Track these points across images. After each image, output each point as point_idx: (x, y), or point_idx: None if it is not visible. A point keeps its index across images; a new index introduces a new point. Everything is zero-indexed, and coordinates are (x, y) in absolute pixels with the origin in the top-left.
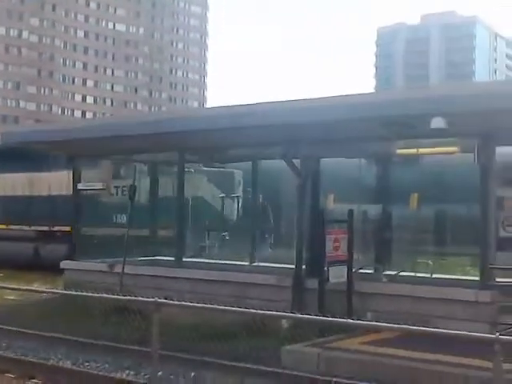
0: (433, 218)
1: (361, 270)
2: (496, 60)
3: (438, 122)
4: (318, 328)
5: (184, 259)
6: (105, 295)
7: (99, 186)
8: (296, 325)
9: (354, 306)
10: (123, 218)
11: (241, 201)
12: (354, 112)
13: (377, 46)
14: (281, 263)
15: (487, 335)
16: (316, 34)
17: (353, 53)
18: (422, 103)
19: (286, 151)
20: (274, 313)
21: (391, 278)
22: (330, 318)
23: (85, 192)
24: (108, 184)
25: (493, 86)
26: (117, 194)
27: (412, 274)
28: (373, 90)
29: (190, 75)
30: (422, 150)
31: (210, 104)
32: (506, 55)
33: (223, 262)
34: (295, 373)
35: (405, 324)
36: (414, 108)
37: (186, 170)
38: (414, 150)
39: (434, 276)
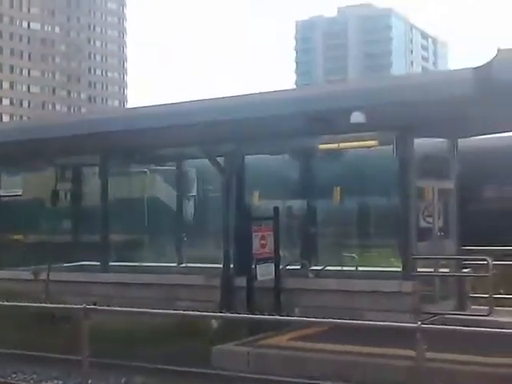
0: (356, 212)
1: (288, 267)
2: (412, 51)
3: (357, 117)
4: (247, 326)
5: (110, 263)
6: (31, 303)
7: (18, 192)
8: (225, 324)
9: (283, 303)
10: (52, 224)
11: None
12: (275, 109)
13: (296, 40)
14: (210, 263)
15: (409, 324)
16: (236, 29)
17: (273, 47)
18: (341, 98)
19: (209, 149)
20: (202, 313)
21: (317, 273)
22: (257, 316)
23: (6, 198)
24: (27, 190)
25: (409, 78)
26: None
27: (338, 268)
28: (294, 85)
29: (109, 74)
30: (342, 145)
31: (130, 102)
32: (422, 46)
33: (151, 264)
34: (225, 373)
35: (333, 318)
36: (334, 103)
37: (139, 170)
38: (335, 145)
39: (359, 269)
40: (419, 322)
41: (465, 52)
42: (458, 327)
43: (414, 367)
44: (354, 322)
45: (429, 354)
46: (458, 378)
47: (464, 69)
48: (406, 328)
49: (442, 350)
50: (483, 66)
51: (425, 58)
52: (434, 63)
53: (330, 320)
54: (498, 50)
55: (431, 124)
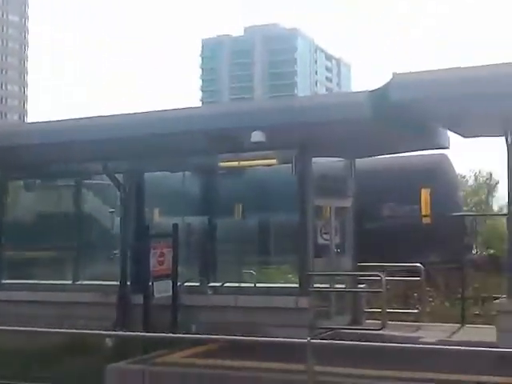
0: (256, 228)
1: (186, 284)
2: (317, 72)
3: (257, 136)
4: (142, 344)
5: (3, 281)
6: None
7: None
8: (121, 342)
9: (181, 320)
10: None
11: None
12: (174, 126)
13: (202, 59)
14: (108, 280)
15: (300, 340)
16: (143, 45)
17: (179, 64)
18: (242, 117)
19: (107, 166)
20: (95, 331)
21: (216, 290)
22: (147, 334)
23: None
24: None
25: (308, 99)
26: None
27: (236, 284)
28: (199, 103)
29: (8, 87)
30: (243, 163)
31: (31, 117)
32: (326, 68)
33: (46, 282)
34: None
35: (232, 334)
36: (234, 122)
37: (35, 185)
38: (235, 163)
39: (257, 285)
40: (309, 338)
41: (369, 72)
42: (345, 342)
43: (305, 381)
44: (246, 338)
45: (319, 368)
46: None
47: (361, 91)
48: (297, 343)
49: (334, 364)
50: (379, 89)
51: (329, 79)
52: (338, 84)
53: (222, 337)
54: (393, 74)
55: (329, 144)
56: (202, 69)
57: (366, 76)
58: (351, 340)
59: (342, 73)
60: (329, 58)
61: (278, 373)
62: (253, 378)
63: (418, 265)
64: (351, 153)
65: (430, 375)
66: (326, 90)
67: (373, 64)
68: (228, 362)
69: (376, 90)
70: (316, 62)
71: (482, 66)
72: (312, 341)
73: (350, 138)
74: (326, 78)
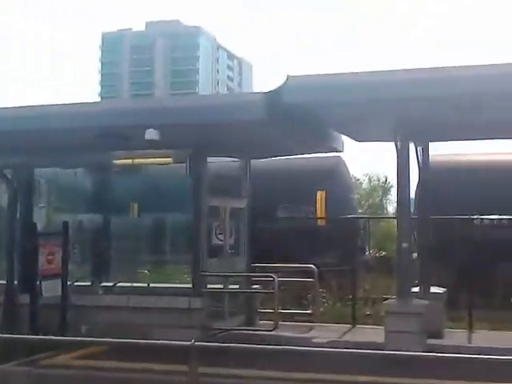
0: (152, 228)
1: (77, 283)
2: (218, 71)
3: (151, 134)
4: (28, 346)
5: None
6: None
7: None
8: (6, 344)
9: (71, 320)
10: None
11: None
12: (67, 121)
13: (101, 52)
14: None
15: (183, 343)
16: (45, 39)
17: (79, 57)
18: (136, 115)
19: None
20: None
21: (108, 290)
22: (31, 336)
23: None
24: None
25: (204, 99)
26: None
27: (129, 284)
28: (98, 98)
29: None
30: (137, 161)
31: None
32: (228, 66)
33: None
34: None
35: (123, 335)
36: (128, 119)
37: None
38: (129, 161)
39: (151, 285)
40: (193, 340)
41: (270, 72)
42: (229, 344)
43: (189, 382)
44: (132, 341)
45: (202, 369)
46: None
47: (256, 93)
48: (181, 346)
49: (222, 365)
50: (273, 91)
51: (230, 78)
52: (239, 83)
53: (107, 340)
54: (288, 77)
55: (224, 144)
56: (102, 63)
57: (269, 75)
58: (244, 341)
59: (244, 72)
60: (230, 56)
61: (162, 374)
62: (138, 380)
63: (312, 266)
64: (246, 153)
65: (315, 376)
66: (228, 89)
67: (275, 64)
68: (114, 364)
69: (271, 91)
70: (218, 60)
71: (373, 72)
72: (196, 343)
73: (245, 139)
74: (228, 76)
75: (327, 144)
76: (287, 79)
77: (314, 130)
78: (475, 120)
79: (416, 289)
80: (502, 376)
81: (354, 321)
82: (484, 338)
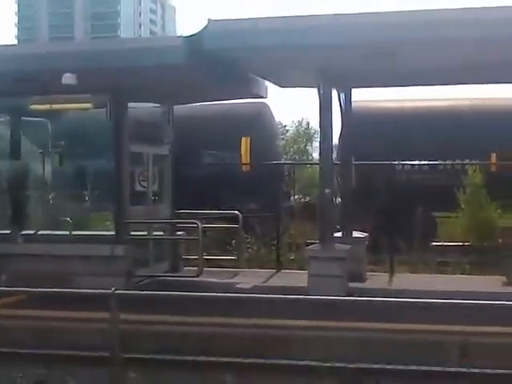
0: (74, 175)
1: None
2: (141, 14)
3: (68, 78)
4: None
5: None
6: None
7: None
8: None
9: None
10: None
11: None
12: None
13: None
14: None
15: (104, 291)
16: None
17: None
18: (54, 59)
19: None
20: None
21: (28, 238)
22: None
23: None
24: None
25: (123, 43)
26: None
27: (51, 232)
28: (15, 40)
29: None
30: (55, 106)
31: None
32: (150, 9)
33: None
34: None
35: (45, 284)
36: (45, 63)
37: None
38: (47, 106)
39: (73, 233)
40: (113, 289)
41: (194, 16)
42: (148, 292)
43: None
44: (53, 290)
45: (124, 316)
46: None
47: (176, 37)
48: (102, 294)
49: (146, 313)
50: (194, 35)
51: (153, 22)
52: (163, 27)
53: (28, 289)
54: (209, 21)
55: (145, 89)
56: (18, 4)
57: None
58: (168, 287)
59: (167, 16)
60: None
61: (83, 322)
62: (58, 328)
63: (237, 212)
64: (168, 99)
65: (237, 321)
66: (150, 32)
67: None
68: (34, 312)
69: (192, 35)
70: (140, 3)
71: (296, 16)
72: (116, 291)
73: (166, 84)
74: (151, 20)
75: (250, 90)
76: (208, 24)
77: (237, 76)
78: (395, 67)
79: (339, 234)
80: (418, 317)
81: (279, 266)
82: (404, 280)
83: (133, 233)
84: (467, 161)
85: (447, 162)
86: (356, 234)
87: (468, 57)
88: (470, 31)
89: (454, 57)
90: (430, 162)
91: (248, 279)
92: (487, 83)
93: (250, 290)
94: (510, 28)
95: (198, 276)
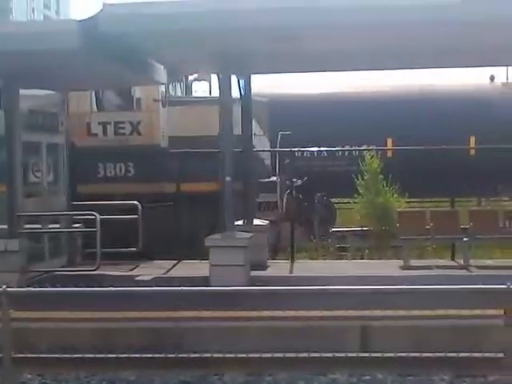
0: None
1: None
2: None
3: None
4: None
5: None
6: None
7: None
8: None
9: None
10: None
11: None
12: None
13: None
14: None
15: None
16: None
17: None
18: None
19: None
20: None
21: None
22: None
23: None
24: None
25: (12, 26)
26: None
27: None
28: None
29: None
30: None
31: None
32: None
33: None
34: None
35: None
36: None
37: None
38: None
39: None
40: (4, 286)
41: (90, 1)
42: (41, 289)
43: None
44: None
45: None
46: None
47: (69, 20)
48: None
49: (44, 309)
50: (89, 19)
51: (47, 6)
52: (57, 12)
53: None
54: (104, 5)
55: (38, 75)
56: None
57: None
58: (66, 281)
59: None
60: None
61: None
62: None
63: (136, 203)
64: (63, 86)
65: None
66: (44, 17)
67: None
68: None
69: (86, 19)
70: None
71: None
72: (7, 289)
73: (60, 70)
74: (44, 4)
75: (148, 76)
76: (103, 7)
77: (134, 62)
78: (294, 52)
79: (240, 222)
80: (317, 303)
81: (180, 257)
82: (303, 267)
83: (27, 226)
84: (365, 147)
85: (345, 149)
86: (257, 221)
87: (372, 42)
88: (372, 16)
89: (360, 42)
90: (328, 149)
91: (148, 270)
92: (389, 69)
93: (150, 282)
94: (398, 14)
95: (96, 269)
